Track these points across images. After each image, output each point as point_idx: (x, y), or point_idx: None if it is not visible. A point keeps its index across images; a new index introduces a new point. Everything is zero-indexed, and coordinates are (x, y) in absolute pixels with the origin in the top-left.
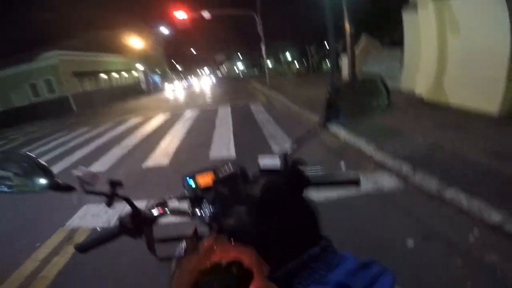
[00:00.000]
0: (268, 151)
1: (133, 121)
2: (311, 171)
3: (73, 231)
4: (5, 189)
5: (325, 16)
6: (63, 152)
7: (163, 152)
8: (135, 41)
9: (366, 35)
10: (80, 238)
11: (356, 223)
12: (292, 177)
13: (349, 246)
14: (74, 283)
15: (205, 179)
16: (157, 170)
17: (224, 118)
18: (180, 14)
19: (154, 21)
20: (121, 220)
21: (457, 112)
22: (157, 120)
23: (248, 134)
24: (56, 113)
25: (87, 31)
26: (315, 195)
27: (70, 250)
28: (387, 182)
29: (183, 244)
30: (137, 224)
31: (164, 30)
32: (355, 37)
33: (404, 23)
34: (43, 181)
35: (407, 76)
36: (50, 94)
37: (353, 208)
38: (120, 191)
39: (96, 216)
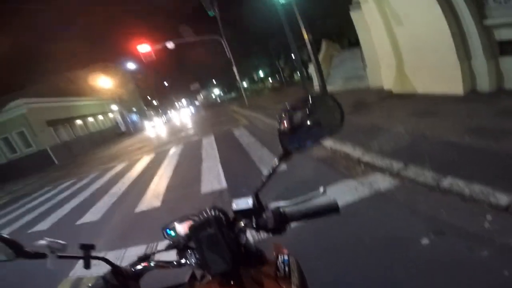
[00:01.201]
0: (259, 175)
1: (118, 167)
2: (287, 206)
3: (79, 280)
4: None
5: (284, 29)
6: (52, 207)
7: (154, 194)
8: (104, 81)
9: (326, 40)
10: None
11: (363, 228)
12: (271, 218)
13: (362, 249)
14: None
15: (184, 228)
16: (151, 213)
17: (210, 148)
18: (143, 48)
19: (119, 58)
20: (104, 278)
21: (426, 99)
22: (143, 162)
23: (236, 162)
24: (38, 168)
25: (53, 74)
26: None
27: None
28: (382, 182)
29: None
30: (122, 281)
31: (131, 65)
32: (316, 44)
33: (354, 22)
34: (10, 253)
35: (372, 73)
36: (27, 148)
37: (356, 215)
38: (93, 253)
39: (97, 265)
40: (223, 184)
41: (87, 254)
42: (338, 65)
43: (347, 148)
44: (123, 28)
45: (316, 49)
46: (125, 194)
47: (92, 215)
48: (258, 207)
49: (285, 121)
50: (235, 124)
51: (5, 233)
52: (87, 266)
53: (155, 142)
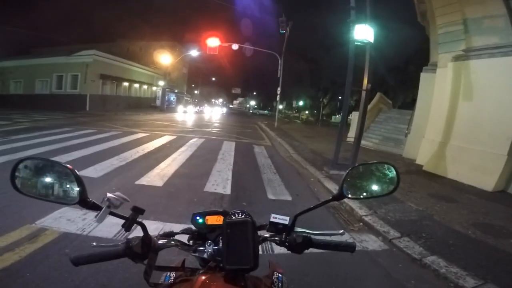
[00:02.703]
0: (263, 197)
1: (139, 135)
2: (313, 234)
3: (40, 231)
4: (38, 196)
5: (346, 69)
6: (61, 149)
7: (160, 174)
8: (164, 57)
9: (381, 94)
10: (45, 240)
11: (336, 279)
12: (299, 239)
13: None
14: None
15: (214, 220)
16: (149, 190)
17: (227, 153)
18: (212, 41)
19: (187, 42)
20: (129, 242)
21: (452, 185)
22: (162, 140)
23: (247, 176)
24: (70, 108)
25: (125, 38)
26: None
27: (27, 250)
28: (373, 243)
29: (172, 274)
30: (145, 250)
31: (194, 52)
32: (370, 94)
33: (420, 82)
34: (75, 195)
35: (411, 142)
36: (72, 89)
37: (335, 264)
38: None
39: (71, 221)
40: (228, 191)
41: (134, 217)
42: (382, 122)
43: (354, 205)
44: (201, 17)
45: (368, 100)
46: (133, 163)
47: (93, 171)
48: (291, 227)
49: (352, 171)
50: (257, 141)
51: None
52: (128, 228)
53: (180, 127)
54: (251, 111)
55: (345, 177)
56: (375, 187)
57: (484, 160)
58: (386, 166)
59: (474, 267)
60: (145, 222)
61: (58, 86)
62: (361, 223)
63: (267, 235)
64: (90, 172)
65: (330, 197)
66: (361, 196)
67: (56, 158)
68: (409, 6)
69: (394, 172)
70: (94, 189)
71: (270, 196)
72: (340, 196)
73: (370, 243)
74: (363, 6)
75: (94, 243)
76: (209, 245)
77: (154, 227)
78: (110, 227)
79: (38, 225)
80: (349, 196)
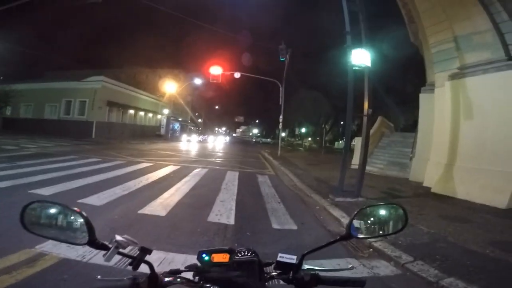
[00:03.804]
0: (268, 227)
1: (143, 164)
2: (321, 270)
3: (40, 256)
4: (48, 236)
5: (346, 95)
6: (66, 176)
7: (163, 203)
8: (169, 85)
9: (382, 117)
10: (43, 265)
11: None
12: (307, 277)
13: None
14: None
15: (220, 258)
16: (152, 219)
17: (231, 182)
18: (215, 69)
19: (191, 70)
20: (136, 279)
21: (463, 205)
22: (166, 170)
23: (251, 206)
24: (75, 134)
25: (132, 64)
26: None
27: (25, 273)
28: (385, 269)
29: None
30: (152, 287)
31: (198, 81)
32: (372, 118)
33: (420, 103)
34: (84, 236)
35: (416, 165)
36: (79, 115)
37: None
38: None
39: (71, 247)
40: (231, 221)
41: (141, 257)
42: (385, 146)
43: None
44: (204, 45)
45: (370, 125)
46: (137, 192)
47: (96, 199)
48: (298, 265)
49: (360, 212)
50: (261, 171)
51: None
52: (136, 267)
53: (184, 156)
54: (253, 140)
55: (352, 217)
56: (383, 227)
57: (493, 178)
58: (393, 206)
59: (497, 286)
60: None
61: (66, 112)
62: (370, 249)
63: (274, 273)
64: (93, 200)
65: (338, 237)
66: (369, 236)
67: (60, 185)
68: (403, 26)
69: (402, 212)
70: (96, 217)
71: (275, 226)
72: (348, 236)
73: (381, 269)
74: (359, 31)
75: (99, 276)
76: (215, 283)
77: (157, 257)
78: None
79: (38, 250)
80: (358, 236)
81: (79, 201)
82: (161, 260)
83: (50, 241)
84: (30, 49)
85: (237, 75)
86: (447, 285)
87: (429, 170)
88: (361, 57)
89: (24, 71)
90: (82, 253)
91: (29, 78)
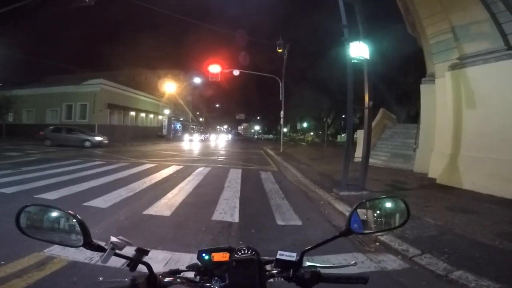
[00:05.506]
0: (273, 224)
1: (146, 165)
2: (322, 267)
3: (49, 259)
4: (44, 239)
5: (346, 88)
6: (70, 180)
7: (167, 203)
8: (169, 85)
9: (384, 109)
10: (53, 268)
11: None
12: (308, 274)
13: None
14: None
15: (220, 257)
16: (157, 219)
17: (234, 180)
18: (214, 68)
19: (190, 69)
20: (134, 280)
21: (470, 196)
22: (169, 170)
23: (254, 203)
24: None
25: (131, 66)
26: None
27: (35, 277)
28: (392, 263)
29: None
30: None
31: (197, 80)
32: (373, 110)
33: (421, 94)
34: (79, 239)
35: (420, 156)
36: (81, 119)
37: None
38: (144, 258)
39: (79, 250)
40: (236, 219)
41: (138, 258)
42: (388, 138)
43: None
44: (203, 44)
45: (372, 117)
46: (141, 193)
47: (101, 202)
48: (299, 263)
49: (359, 206)
50: (264, 167)
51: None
52: (133, 268)
53: (187, 156)
54: (255, 136)
55: (351, 212)
56: (384, 221)
57: (499, 167)
58: (394, 199)
59: (508, 279)
60: (154, 252)
61: (68, 116)
62: (377, 243)
63: (274, 271)
64: (98, 203)
65: (337, 233)
66: (370, 231)
67: (65, 189)
68: (400, 17)
69: (403, 205)
70: (102, 219)
71: (279, 222)
72: (347, 232)
73: (389, 263)
74: (356, 24)
75: (100, 278)
76: (216, 282)
77: (162, 257)
78: (119, 258)
79: (47, 253)
80: (357, 231)
81: (85, 204)
82: (167, 260)
83: (55, 245)
84: (26, 54)
85: (236, 72)
86: (456, 278)
87: (433, 161)
88: (359, 50)
89: (21, 77)
90: (89, 255)
91: (26, 83)
